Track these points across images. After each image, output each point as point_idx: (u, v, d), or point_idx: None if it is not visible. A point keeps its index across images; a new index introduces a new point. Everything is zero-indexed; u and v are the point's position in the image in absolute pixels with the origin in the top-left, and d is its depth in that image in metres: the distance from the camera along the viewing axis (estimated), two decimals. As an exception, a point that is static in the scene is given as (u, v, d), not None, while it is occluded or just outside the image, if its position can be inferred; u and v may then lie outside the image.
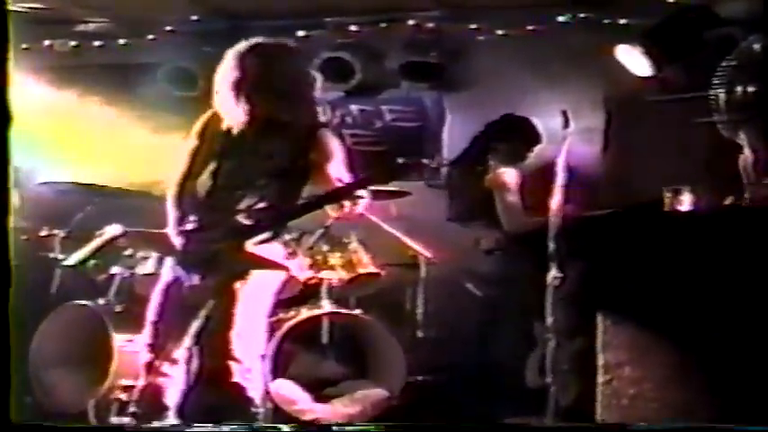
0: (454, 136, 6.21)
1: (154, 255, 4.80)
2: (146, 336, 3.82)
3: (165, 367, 3.73)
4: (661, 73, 5.20)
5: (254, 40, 3.83)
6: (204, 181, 3.80)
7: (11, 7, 2.37)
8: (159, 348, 3.74)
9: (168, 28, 6.22)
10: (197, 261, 3.47)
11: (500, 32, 5.94)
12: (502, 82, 6.03)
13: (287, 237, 3.99)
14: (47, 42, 6.30)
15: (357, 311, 5.21)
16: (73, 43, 6.34)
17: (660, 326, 3.61)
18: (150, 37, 6.27)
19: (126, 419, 3.90)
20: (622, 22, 5.55)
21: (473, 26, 5.97)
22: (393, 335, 5.13)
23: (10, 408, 2.29)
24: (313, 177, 3.78)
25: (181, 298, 3.66)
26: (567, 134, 4.06)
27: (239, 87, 3.75)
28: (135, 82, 6.32)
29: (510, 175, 5.00)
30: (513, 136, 5.19)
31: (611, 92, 5.80)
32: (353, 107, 6.49)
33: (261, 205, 3.69)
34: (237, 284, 3.57)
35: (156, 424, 3.58)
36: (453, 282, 5.40)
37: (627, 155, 5.82)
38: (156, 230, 3.88)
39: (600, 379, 3.71)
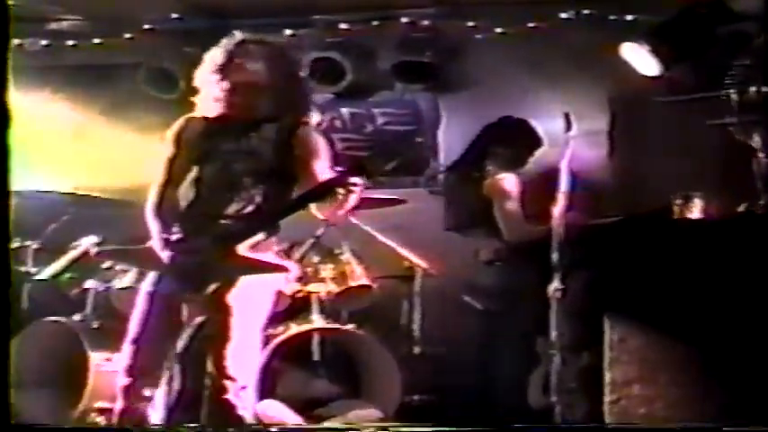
0: (450, 140, 6.22)
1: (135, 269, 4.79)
2: (125, 356, 3.80)
3: (146, 390, 3.71)
4: (669, 72, 5.21)
5: (236, 38, 3.84)
6: (186, 188, 3.80)
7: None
8: (139, 371, 3.72)
9: (147, 26, 6.21)
10: (186, 273, 3.46)
11: (499, 30, 5.95)
12: (501, 82, 6.05)
13: (276, 248, 3.99)
14: (16, 41, 6.28)
15: (350, 326, 5.21)
16: (44, 42, 6.32)
17: (672, 341, 3.61)
18: (127, 36, 6.25)
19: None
20: (628, 18, 5.57)
21: (470, 24, 5.97)
22: (388, 351, 5.13)
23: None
24: (300, 176, 3.80)
25: (164, 313, 3.65)
26: (570, 137, 4.07)
27: (219, 85, 3.76)
28: (111, 84, 6.32)
29: (509, 182, 5.00)
30: (512, 140, 5.19)
31: (616, 92, 5.82)
32: (344, 110, 6.50)
33: (250, 209, 3.70)
34: (231, 295, 3.57)
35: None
36: (451, 295, 5.39)
37: (633, 159, 5.84)
38: (140, 246, 3.87)
39: (607, 398, 3.71)
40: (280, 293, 4.25)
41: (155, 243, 3.69)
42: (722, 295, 3.58)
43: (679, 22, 5.10)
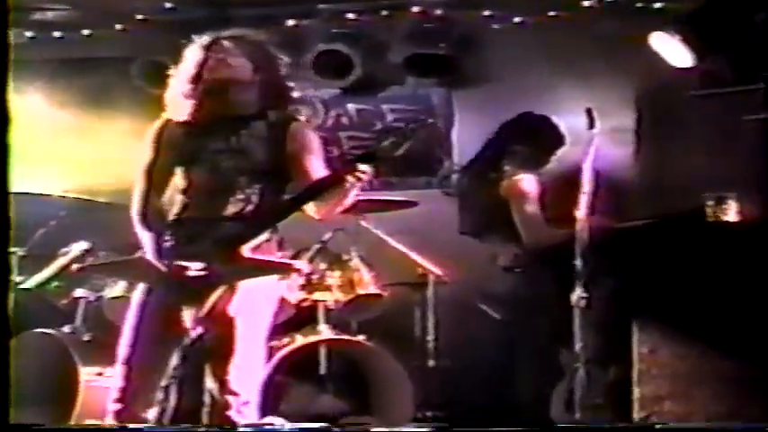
0: (465, 138, 6.22)
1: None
2: (117, 378, 3.80)
3: (140, 411, 3.71)
4: (702, 63, 5.20)
5: (208, 37, 3.86)
6: (172, 192, 3.82)
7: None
8: (132, 395, 3.72)
9: (140, 17, 6.22)
10: (186, 282, 3.46)
11: (517, 19, 5.95)
12: (519, 76, 6.05)
13: (280, 255, 4.00)
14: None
15: (359, 337, 5.21)
16: (29, 34, 6.32)
17: (705, 352, 3.61)
18: (119, 27, 6.27)
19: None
20: (657, 5, 5.55)
21: (486, 13, 5.97)
22: (399, 364, 5.12)
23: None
24: (293, 173, 3.81)
25: (158, 327, 3.65)
26: (594, 135, 4.06)
27: (195, 85, 3.77)
28: (102, 78, 6.33)
29: (529, 182, 4.99)
30: (532, 138, 5.18)
31: (644, 86, 5.82)
32: (351, 106, 6.50)
33: (249, 209, 3.71)
34: (232, 305, 3.57)
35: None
36: (467, 303, 5.41)
37: (662, 158, 5.83)
38: (131, 257, 3.87)
39: (636, 415, 3.70)
40: (284, 301, 4.24)
41: (148, 253, 3.70)
42: (759, 303, 3.57)
43: (713, 8, 5.08)
